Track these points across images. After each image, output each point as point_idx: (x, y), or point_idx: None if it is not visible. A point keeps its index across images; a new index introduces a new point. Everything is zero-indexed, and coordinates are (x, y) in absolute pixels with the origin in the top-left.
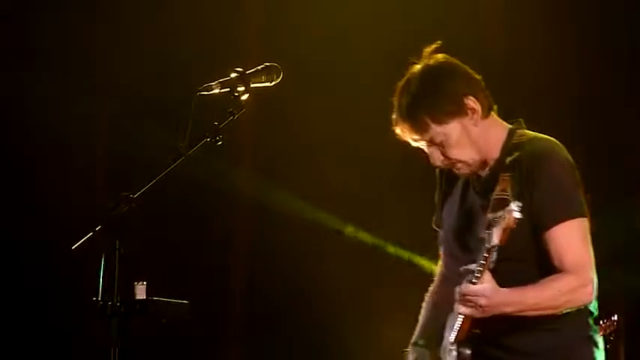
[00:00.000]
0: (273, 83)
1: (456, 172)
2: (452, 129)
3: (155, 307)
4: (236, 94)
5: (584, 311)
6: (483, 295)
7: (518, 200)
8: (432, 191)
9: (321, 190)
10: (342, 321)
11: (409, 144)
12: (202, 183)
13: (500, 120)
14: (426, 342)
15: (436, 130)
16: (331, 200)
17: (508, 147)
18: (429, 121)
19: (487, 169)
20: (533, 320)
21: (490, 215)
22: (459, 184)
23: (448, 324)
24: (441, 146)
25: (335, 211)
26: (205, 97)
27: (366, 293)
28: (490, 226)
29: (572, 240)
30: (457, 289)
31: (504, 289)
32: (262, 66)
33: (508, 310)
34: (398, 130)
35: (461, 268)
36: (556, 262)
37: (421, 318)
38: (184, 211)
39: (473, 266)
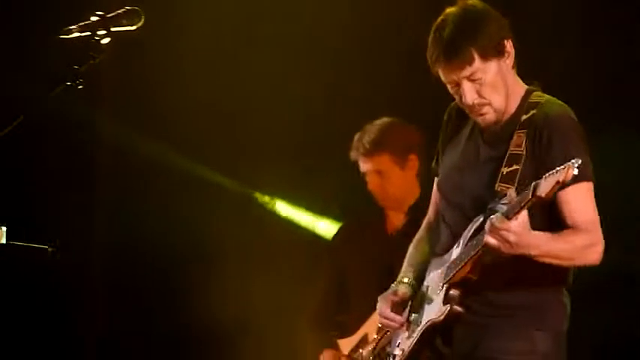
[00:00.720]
0: (134, 27)
1: (479, 118)
2: (491, 67)
3: (14, 251)
4: (97, 37)
5: (562, 278)
6: (516, 232)
7: (535, 160)
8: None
9: (195, 141)
10: (215, 274)
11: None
12: (64, 129)
13: (519, 79)
14: (414, 282)
15: (478, 64)
16: (203, 152)
17: (525, 105)
18: (475, 54)
19: (501, 123)
20: (517, 278)
21: (545, 173)
22: (465, 135)
23: (432, 267)
24: (478, 84)
25: (207, 162)
26: (65, 41)
27: (240, 244)
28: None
29: (585, 200)
30: (489, 220)
31: (535, 231)
32: (123, 10)
33: (532, 252)
34: (436, 68)
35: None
36: (569, 221)
37: (408, 260)
38: (44, 157)
39: (502, 205)
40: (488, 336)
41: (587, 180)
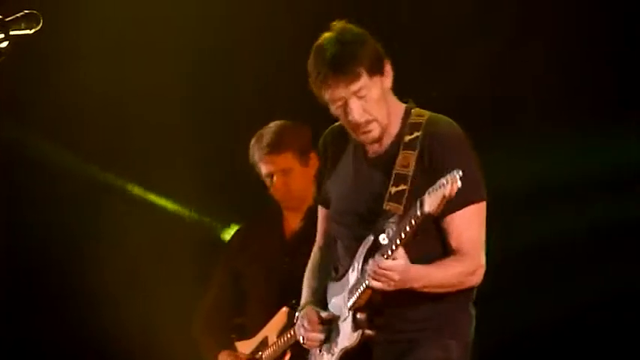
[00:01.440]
0: (33, 31)
1: (363, 136)
2: (375, 84)
3: None
4: None
5: (467, 291)
6: (398, 271)
7: (424, 178)
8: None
9: (94, 144)
10: (117, 277)
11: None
12: None
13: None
14: (316, 304)
15: (365, 80)
16: (102, 154)
17: (407, 124)
18: (362, 70)
19: (384, 144)
20: (422, 293)
21: (430, 189)
22: (347, 158)
23: (332, 292)
24: (364, 100)
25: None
26: None
27: (140, 246)
28: (407, 196)
29: (471, 224)
30: (371, 262)
31: (415, 265)
32: (22, 13)
33: (415, 285)
34: (323, 87)
35: (353, 237)
36: (454, 244)
37: (307, 287)
38: None
39: (382, 237)
40: (408, 350)
41: (478, 200)
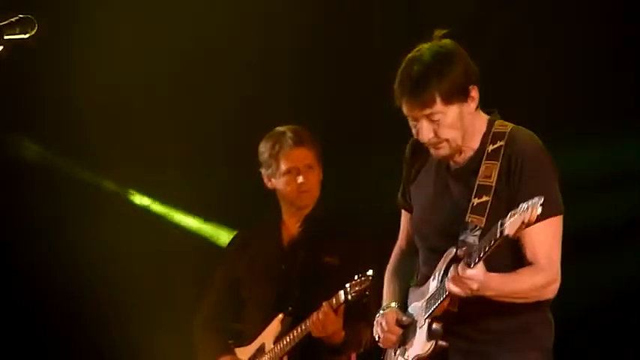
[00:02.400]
0: (27, 35)
1: (434, 151)
2: (452, 111)
3: None
4: None
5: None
6: (478, 280)
7: (504, 191)
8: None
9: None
10: (107, 280)
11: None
12: None
13: (480, 110)
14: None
15: (439, 107)
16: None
17: (489, 135)
18: (437, 97)
19: (466, 156)
20: (501, 303)
21: (510, 212)
22: (431, 168)
23: (412, 297)
24: (436, 124)
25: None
26: None
27: (134, 250)
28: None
29: (547, 237)
30: (452, 269)
31: (493, 274)
32: (16, 18)
33: (490, 294)
34: (400, 102)
35: (433, 247)
36: (529, 256)
37: (386, 291)
38: None
39: (466, 248)
40: None
41: (555, 214)
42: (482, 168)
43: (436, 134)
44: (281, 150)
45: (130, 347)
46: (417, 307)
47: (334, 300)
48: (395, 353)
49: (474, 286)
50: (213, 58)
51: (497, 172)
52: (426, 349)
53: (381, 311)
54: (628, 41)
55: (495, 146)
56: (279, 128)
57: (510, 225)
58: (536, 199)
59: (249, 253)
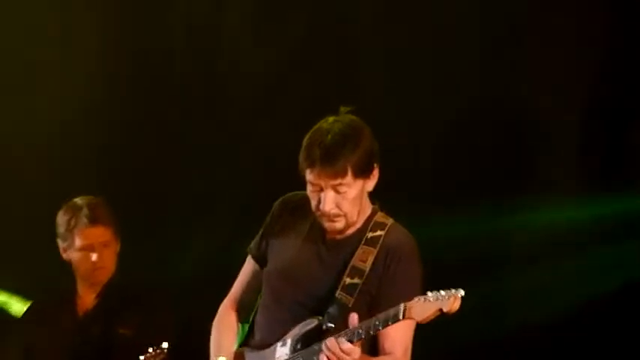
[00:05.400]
0: None
1: (328, 224)
2: (358, 185)
3: None
4: None
5: None
6: (354, 358)
7: (375, 280)
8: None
9: None
10: None
11: None
12: None
13: None
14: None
15: (349, 179)
16: None
17: (371, 222)
18: (349, 169)
19: (346, 232)
20: None
21: (424, 296)
22: (302, 228)
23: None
24: (341, 197)
25: None
26: None
27: None
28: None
29: (406, 333)
30: (328, 342)
31: (366, 355)
32: None
33: None
34: (308, 168)
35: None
36: (388, 346)
37: (216, 341)
38: None
39: (328, 325)
40: None
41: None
42: (360, 251)
43: (338, 206)
44: (76, 226)
45: None
46: None
47: None
48: None
49: None
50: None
51: (372, 259)
52: None
53: None
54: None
55: (375, 234)
56: (77, 200)
57: (421, 310)
58: (453, 290)
59: (44, 322)
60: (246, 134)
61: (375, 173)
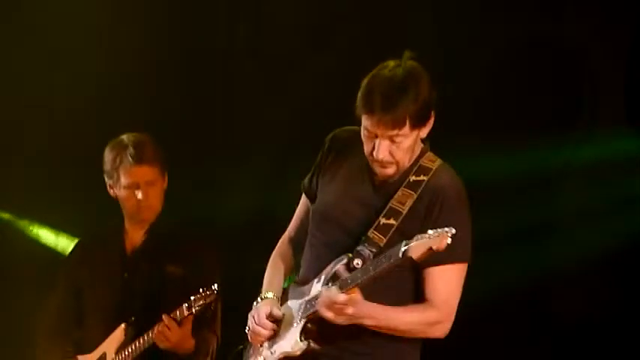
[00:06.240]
0: None
1: (379, 169)
2: (412, 135)
3: None
4: None
5: None
6: (352, 306)
7: (414, 223)
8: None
9: None
10: None
11: None
12: None
13: None
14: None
15: (406, 130)
16: None
17: (416, 166)
18: (408, 120)
19: (393, 175)
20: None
21: (418, 235)
22: (352, 167)
23: (292, 295)
24: (395, 146)
25: None
26: None
27: None
28: (401, 235)
29: (450, 281)
30: (324, 291)
31: (371, 303)
32: None
33: (368, 322)
34: (366, 115)
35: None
36: (428, 295)
37: (269, 275)
38: None
39: (356, 262)
40: None
41: (463, 261)
42: (399, 193)
43: (392, 154)
44: (121, 165)
45: None
46: (295, 305)
47: (178, 312)
48: (261, 345)
49: (349, 310)
50: (57, 57)
51: (411, 203)
52: (297, 348)
53: (257, 301)
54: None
55: (418, 178)
56: (124, 138)
57: (416, 248)
58: (446, 229)
59: (93, 260)
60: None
61: (431, 121)
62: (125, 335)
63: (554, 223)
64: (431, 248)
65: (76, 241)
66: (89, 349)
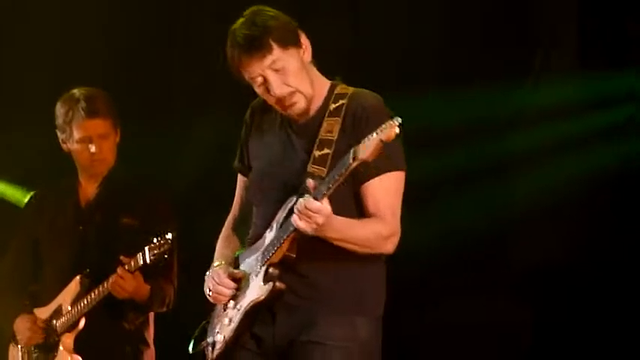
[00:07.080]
0: None
1: (289, 109)
2: (291, 56)
3: None
4: None
5: (381, 263)
6: (324, 215)
7: (346, 143)
8: None
9: None
10: None
11: None
12: None
13: (322, 76)
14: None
15: (278, 53)
16: None
17: (332, 95)
18: (273, 43)
19: (309, 115)
20: (339, 262)
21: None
22: (273, 128)
23: (245, 255)
24: (282, 73)
25: None
26: None
27: None
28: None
29: (389, 191)
30: (300, 201)
31: (339, 216)
32: None
33: (333, 235)
34: (240, 67)
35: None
36: (371, 208)
37: (218, 253)
38: None
39: (313, 181)
40: (312, 321)
41: (399, 169)
42: (325, 125)
43: (286, 83)
44: (74, 119)
45: None
46: (250, 261)
47: (132, 263)
48: (224, 309)
49: (320, 220)
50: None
51: (339, 128)
52: (262, 292)
53: (211, 268)
54: None
55: (337, 104)
56: (75, 92)
57: (365, 148)
58: (394, 120)
59: (47, 213)
60: None
61: (304, 41)
62: (80, 287)
63: (508, 166)
64: (381, 141)
65: (31, 194)
66: (45, 302)
